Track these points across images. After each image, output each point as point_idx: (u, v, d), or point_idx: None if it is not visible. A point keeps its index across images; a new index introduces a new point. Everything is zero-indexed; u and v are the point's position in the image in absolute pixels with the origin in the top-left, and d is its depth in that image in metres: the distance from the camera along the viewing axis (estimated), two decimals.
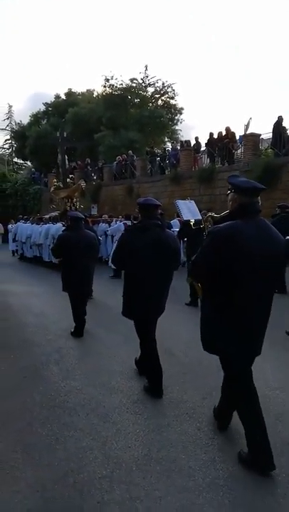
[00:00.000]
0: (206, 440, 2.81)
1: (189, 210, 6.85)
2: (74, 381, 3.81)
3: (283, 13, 52.44)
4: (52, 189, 15.74)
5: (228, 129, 15.21)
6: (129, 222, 9.55)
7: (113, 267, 8.03)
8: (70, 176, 16.94)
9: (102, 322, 5.74)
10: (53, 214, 13.79)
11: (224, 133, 15.25)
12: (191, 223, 6.33)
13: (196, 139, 17.33)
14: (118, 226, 10.48)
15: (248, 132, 14.64)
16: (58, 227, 10.92)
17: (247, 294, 2.32)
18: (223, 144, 15.10)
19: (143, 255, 3.28)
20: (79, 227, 5.23)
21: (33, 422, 3.07)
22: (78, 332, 5.20)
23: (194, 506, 2.20)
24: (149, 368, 3.58)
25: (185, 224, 7.02)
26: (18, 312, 6.63)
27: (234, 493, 2.29)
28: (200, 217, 6.33)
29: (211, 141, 15.92)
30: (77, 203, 14.10)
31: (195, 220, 6.35)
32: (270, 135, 13.80)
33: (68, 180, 15.52)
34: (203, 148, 17.00)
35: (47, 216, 14.43)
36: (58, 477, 2.44)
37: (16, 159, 41.95)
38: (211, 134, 15.87)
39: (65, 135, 16.10)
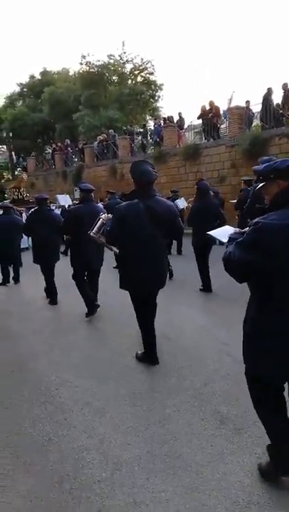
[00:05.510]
0: (212, 431, 2.60)
1: (65, 200, 12.80)
2: (65, 373, 3.55)
3: None
4: (2, 181, 19.93)
5: (211, 103, 14.69)
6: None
7: None
8: (18, 169, 20.76)
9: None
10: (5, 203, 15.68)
11: (208, 107, 14.75)
12: (66, 207, 11.03)
13: (180, 114, 16.75)
14: None
15: (232, 105, 14.17)
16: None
17: None
18: (207, 119, 14.64)
19: (86, 222, 4.38)
20: (9, 213, 7.56)
21: (23, 422, 2.81)
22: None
23: (205, 508, 1.98)
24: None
25: (63, 209, 11.67)
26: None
27: (248, 489, 2.08)
28: (71, 203, 11.89)
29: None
30: (24, 193, 17.73)
31: (68, 205, 11.73)
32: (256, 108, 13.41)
33: (16, 172, 19.36)
34: (187, 124, 16.50)
35: None
36: (52, 483, 2.20)
37: None
38: (204, 108, 14.78)
39: (11, 135, 19.59)
